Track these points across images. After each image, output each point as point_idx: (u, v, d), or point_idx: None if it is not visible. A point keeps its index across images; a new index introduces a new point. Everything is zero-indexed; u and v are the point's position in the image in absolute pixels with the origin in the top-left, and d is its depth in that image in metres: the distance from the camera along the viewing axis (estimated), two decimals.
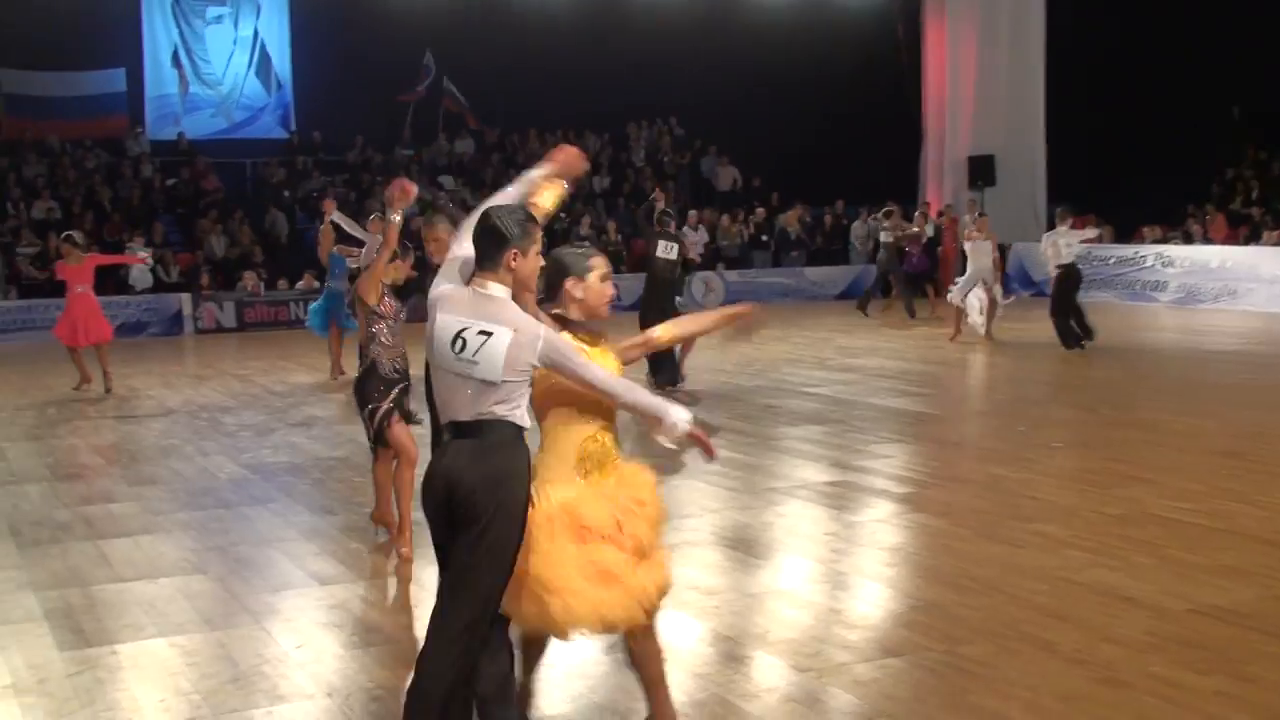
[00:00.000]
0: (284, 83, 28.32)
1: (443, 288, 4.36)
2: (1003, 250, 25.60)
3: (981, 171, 27.90)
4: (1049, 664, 5.46)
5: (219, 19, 27.66)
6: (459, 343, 4.23)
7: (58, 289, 15.66)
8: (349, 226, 15.06)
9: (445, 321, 4.28)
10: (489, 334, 4.21)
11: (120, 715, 5.19)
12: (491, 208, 4.36)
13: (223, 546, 7.82)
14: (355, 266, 13.41)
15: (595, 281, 4.53)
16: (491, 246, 4.26)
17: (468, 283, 4.32)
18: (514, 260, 4.26)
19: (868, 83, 28.64)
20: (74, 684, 5.51)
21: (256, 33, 27.92)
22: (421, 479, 4.40)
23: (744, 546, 7.58)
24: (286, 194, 25.95)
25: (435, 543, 4.40)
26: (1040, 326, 17.68)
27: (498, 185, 24.55)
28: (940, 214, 26.84)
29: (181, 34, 27.36)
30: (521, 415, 4.29)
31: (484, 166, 28.61)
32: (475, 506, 4.16)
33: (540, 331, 4.24)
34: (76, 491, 9.60)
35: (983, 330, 17.98)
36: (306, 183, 26.58)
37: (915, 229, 23.16)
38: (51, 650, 5.94)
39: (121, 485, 9.79)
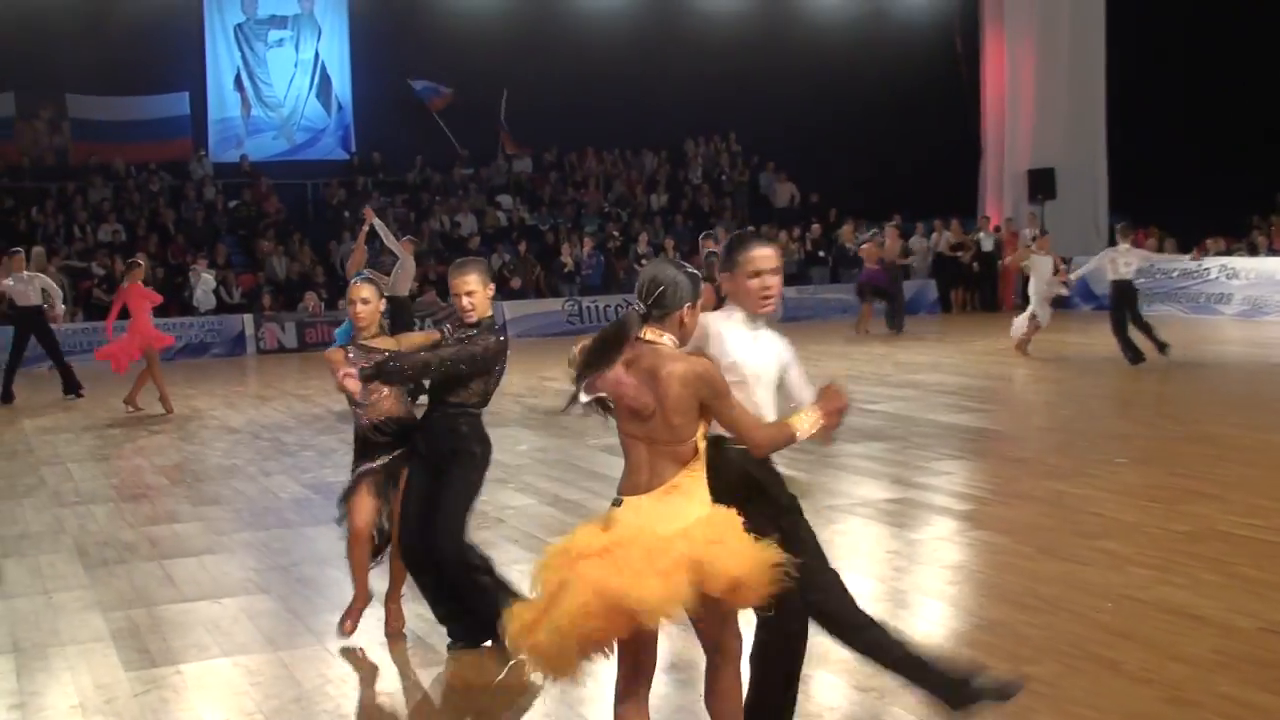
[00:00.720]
0: (344, 104, 28.63)
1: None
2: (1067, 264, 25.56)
3: (1042, 185, 27.74)
4: (1115, 683, 5.39)
5: (280, 42, 28.02)
6: None
7: (123, 310, 15.95)
8: (385, 235, 15.23)
9: None
10: None
11: None
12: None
13: (285, 566, 7.88)
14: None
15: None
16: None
17: None
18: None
19: (926, 97, 28.57)
20: (140, 704, 5.56)
21: (317, 55, 28.25)
22: None
23: None
24: (347, 214, 26.19)
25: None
26: (1101, 340, 17.50)
27: (555, 204, 24.76)
28: (997, 228, 26.70)
29: (244, 57, 27.75)
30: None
31: (542, 185, 28.78)
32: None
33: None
34: (141, 512, 9.71)
35: (1023, 343, 17.87)
36: (367, 203, 26.80)
37: (866, 243, 23.18)
38: (118, 670, 6.01)
39: (185, 505, 9.89)
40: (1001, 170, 29.17)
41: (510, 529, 8.58)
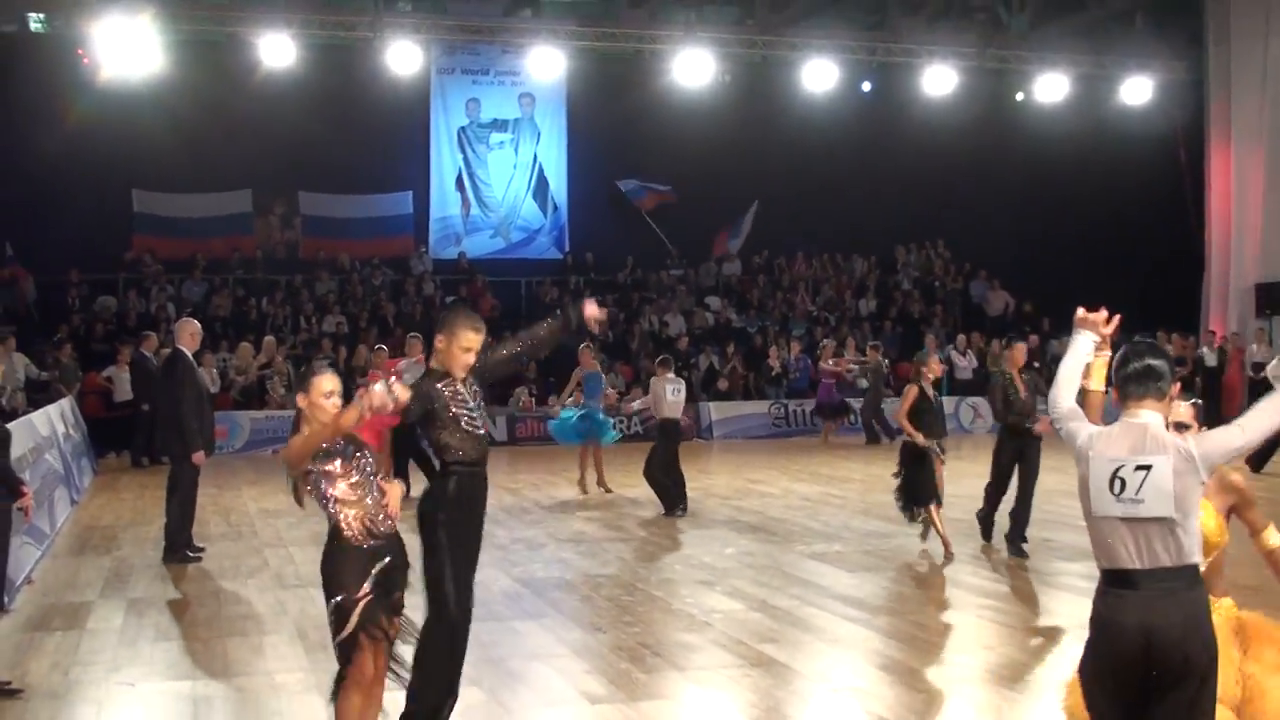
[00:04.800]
0: (559, 205, 29.32)
1: (1088, 430, 4.32)
2: None
3: (1272, 300, 26.71)
4: None
5: (501, 145, 28.91)
6: (1117, 483, 4.09)
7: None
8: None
9: (1099, 462, 4.16)
10: (1148, 467, 4.04)
11: None
12: (1137, 345, 4.31)
13: (495, 660, 7.95)
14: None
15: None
16: (1151, 379, 4.20)
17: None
18: (1175, 393, 4.39)
19: (1146, 208, 27.97)
20: None
21: (535, 158, 29.06)
22: (1093, 635, 4.37)
23: (1018, 685, 7.30)
24: (558, 313, 26.66)
25: (1110, 703, 4.28)
26: None
27: (763, 307, 24.54)
28: (1224, 341, 25.84)
29: (465, 159, 28.71)
30: (1196, 548, 4.09)
31: (751, 288, 28.90)
32: (1188, 661, 4.00)
33: (1193, 448, 4.06)
34: None
35: None
36: (579, 301, 27.31)
37: (833, 364, 24.26)
38: None
39: None
40: (1226, 284, 28.17)
41: (717, 633, 8.53)
